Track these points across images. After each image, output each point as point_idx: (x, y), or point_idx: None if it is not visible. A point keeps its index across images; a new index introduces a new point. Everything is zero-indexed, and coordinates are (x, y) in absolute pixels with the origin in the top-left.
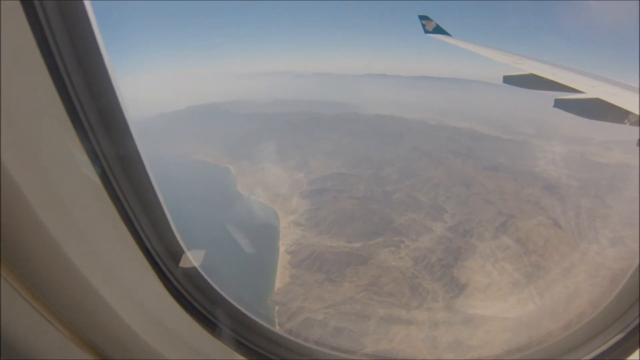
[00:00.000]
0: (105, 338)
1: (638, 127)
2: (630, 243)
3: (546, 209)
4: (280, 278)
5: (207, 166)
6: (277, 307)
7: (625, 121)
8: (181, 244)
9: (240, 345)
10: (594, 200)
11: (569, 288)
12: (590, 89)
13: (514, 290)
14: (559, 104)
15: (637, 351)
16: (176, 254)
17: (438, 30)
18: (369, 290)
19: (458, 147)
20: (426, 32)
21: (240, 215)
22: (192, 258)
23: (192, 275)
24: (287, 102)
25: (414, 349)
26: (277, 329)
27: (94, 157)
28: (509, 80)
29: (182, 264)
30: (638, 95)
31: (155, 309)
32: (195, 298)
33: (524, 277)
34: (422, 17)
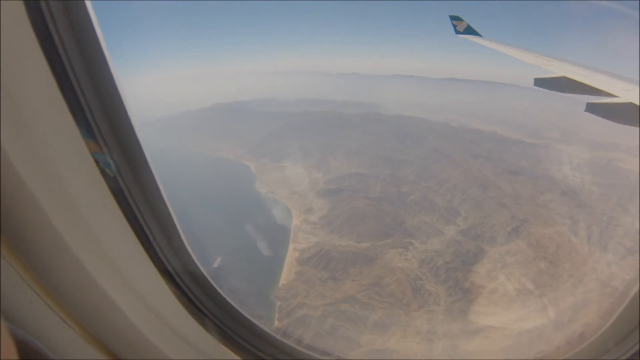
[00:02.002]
0: (114, 337)
1: None
2: None
3: (562, 215)
4: (286, 274)
5: (227, 163)
6: (278, 303)
7: None
8: (188, 247)
9: (242, 348)
10: (615, 207)
11: (576, 297)
12: (624, 92)
13: (518, 297)
14: (591, 108)
15: None
16: (182, 256)
17: (469, 30)
18: (371, 290)
19: (479, 150)
20: (457, 32)
21: (255, 212)
22: (198, 261)
23: (197, 278)
24: (312, 101)
25: (408, 350)
26: (276, 332)
27: (100, 158)
28: (540, 82)
29: (188, 266)
30: None
31: (160, 309)
32: (200, 300)
33: (531, 283)
34: (453, 18)
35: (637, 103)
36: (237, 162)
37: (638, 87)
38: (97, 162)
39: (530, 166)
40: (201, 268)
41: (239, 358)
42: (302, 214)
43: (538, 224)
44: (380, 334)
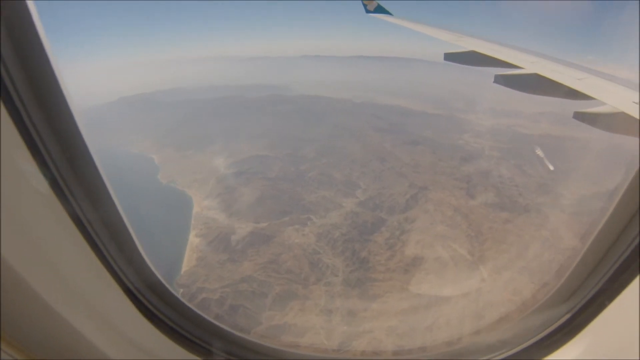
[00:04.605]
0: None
1: (572, 100)
2: (545, 210)
3: (461, 180)
4: (188, 261)
5: (131, 157)
6: (181, 290)
7: (560, 94)
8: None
9: (196, 346)
10: (512, 169)
11: (474, 256)
12: (530, 65)
13: (415, 262)
14: (499, 79)
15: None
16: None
17: (379, 9)
18: (268, 267)
19: (380, 124)
20: (367, 11)
21: (156, 204)
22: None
23: (150, 280)
24: (218, 87)
25: (307, 323)
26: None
27: (41, 162)
28: (450, 57)
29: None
30: (576, 70)
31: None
32: (147, 298)
33: (428, 248)
34: None
35: (542, 74)
36: (141, 154)
37: (543, 59)
38: (40, 168)
39: (432, 136)
40: (152, 268)
41: (195, 357)
42: (202, 201)
43: (436, 190)
44: (279, 309)
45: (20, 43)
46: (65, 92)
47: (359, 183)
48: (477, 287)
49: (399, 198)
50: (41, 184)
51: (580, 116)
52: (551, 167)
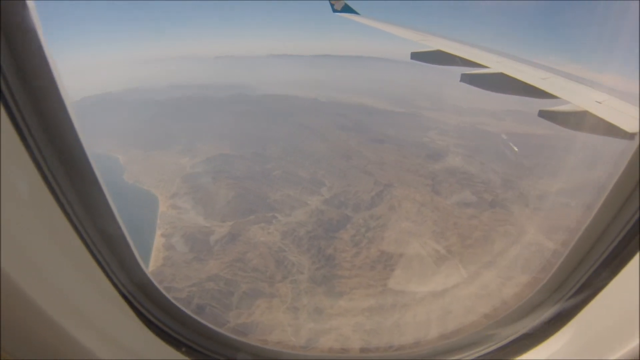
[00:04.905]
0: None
1: (537, 99)
2: (510, 205)
3: (426, 177)
4: (154, 262)
5: (95, 157)
6: None
7: (525, 93)
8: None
9: (186, 346)
10: (477, 166)
11: (440, 252)
12: (495, 64)
13: (381, 258)
14: (465, 78)
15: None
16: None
17: (347, 9)
18: (234, 266)
19: (346, 122)
20: (335, 11)
21: (122, 204)
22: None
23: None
24: (184, 87)
25: (274, 321)
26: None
27: (38, 164)
28: (416, 56)
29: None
30: (539, 70)
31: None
32: (139, 301)
33: (393, 244)
34: None
35: (507, 73)
36: (106, 155)
37: (508, 59)
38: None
39: (397, 134)
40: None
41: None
42: (168, 200)
43: (401, 187)
44: (246, 308)
45: (18, 45)
46: (62, 91)
47: (324, 181)
48: (444, 282)
49: (364, 195)
50: (36, 186)
51: (545, 114)
52: (515, 148)
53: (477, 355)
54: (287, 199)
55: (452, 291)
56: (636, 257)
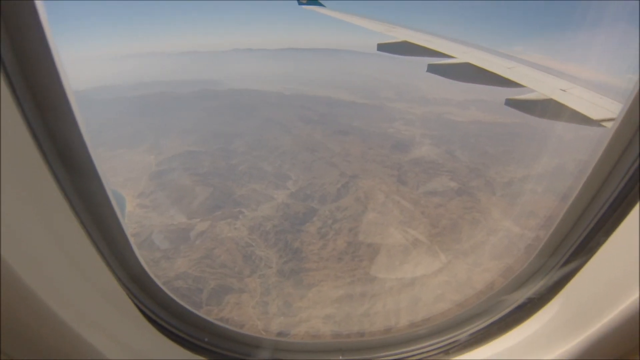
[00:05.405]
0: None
1: (503, 88)
2: (476, 193)
3: (392, 167)
4: None
5: None
6: None
7: (492, 82)
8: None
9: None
10: (443, 155)
11: (407, 241)
12: (462, 54)
13: (348, 249)
14: (432, 68)
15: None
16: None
17: (312, 1)
18: (202, 263)
19: (310, 115)
20: (300, 3)
21: None
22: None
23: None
24: (149, 84)
25: (244, 316)
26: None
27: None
28: (382, 47)
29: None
30: (505, 59)
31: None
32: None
33: (361, 234)
34: None
35: (474, 63)
36: None
37: (474, 49)
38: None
39: (363, 125)
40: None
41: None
42: (135, 199)
43: (367, 178)
44: (215, 304)
45: (23, 42)
46: (66, 85)
47: (290, 174)
48: (412, 271)
49: (329, 187)
50: (42, 181)
51: (511, 103)
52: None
53: (478, 327)
54: (253, 194)
55: (421, 279)
56: (636, 207)
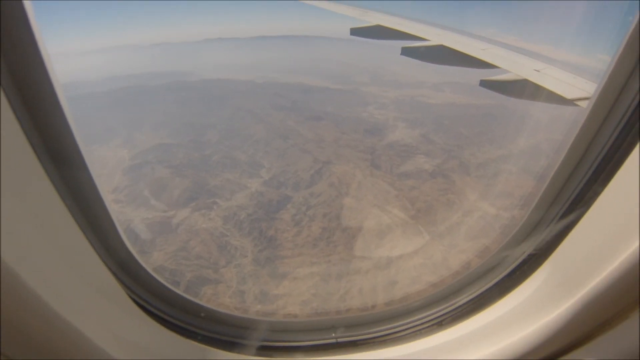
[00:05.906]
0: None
1: (477, 69)
2: (450, 174)
3: (365, 152)
4: None
5: None
6: None
7: (466, 64)
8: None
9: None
10: (417, 138)
11: (382, 225)
12: (435, 37)
13: (322, 235)
14: (406, 51)
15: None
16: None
17: None
18: (178, 255)
19: (283, 102)
20: None
21: None
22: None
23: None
24: (120, 77)
25: (221, 306)
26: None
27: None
28: (356, 32)
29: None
30: (479, 41)
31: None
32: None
33: (335, 220)
34: None
35: (447, 45)
36: None
37: (448, 31)
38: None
39: (336, 110)
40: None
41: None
42: (109, 195)
43: (340, 163)
44: (192, 296)
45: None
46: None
47: (263, 163)
48: (388, 254)
49: (303, 174)
50: (37, 180)
51: (486, 84)
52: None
53: (474, 294)
54: (227, 184)
55: (397, 262)
56: (636, 149)
